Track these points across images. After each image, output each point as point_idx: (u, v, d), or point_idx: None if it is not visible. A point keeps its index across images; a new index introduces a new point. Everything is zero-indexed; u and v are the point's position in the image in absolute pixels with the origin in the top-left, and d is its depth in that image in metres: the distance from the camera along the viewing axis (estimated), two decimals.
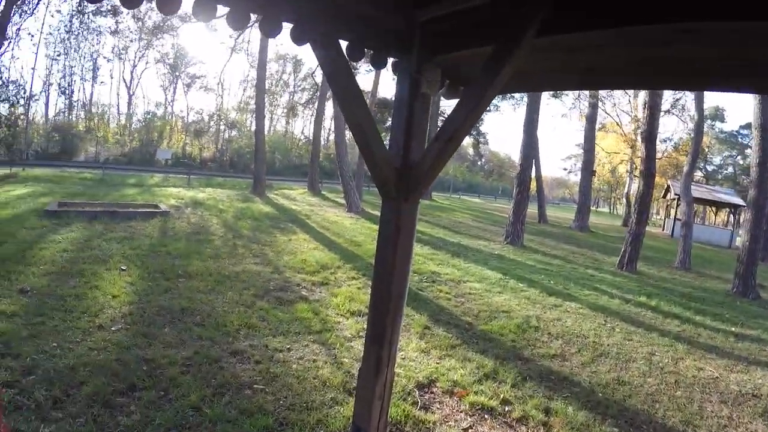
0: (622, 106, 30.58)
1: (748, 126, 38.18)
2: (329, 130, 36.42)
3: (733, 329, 6.75)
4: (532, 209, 18.77)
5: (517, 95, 27.69)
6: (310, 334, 4.38)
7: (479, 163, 65.24)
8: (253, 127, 21.36)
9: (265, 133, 24.82)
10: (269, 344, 4.01)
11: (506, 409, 3.42)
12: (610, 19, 1.44)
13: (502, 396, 3.57)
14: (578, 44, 1.78)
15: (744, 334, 6.60)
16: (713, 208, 34.10)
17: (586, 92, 23.94)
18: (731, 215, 29.32)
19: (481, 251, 10.57)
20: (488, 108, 34.54)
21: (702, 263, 14.25)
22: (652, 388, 4.18)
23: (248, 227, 9.73)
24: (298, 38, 1.79)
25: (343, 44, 1.92)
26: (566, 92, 26.62)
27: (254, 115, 20.75)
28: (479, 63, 1.75)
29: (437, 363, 4.06)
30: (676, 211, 24.16)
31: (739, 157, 45.17)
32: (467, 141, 50.70)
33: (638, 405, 3.80)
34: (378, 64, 2.20)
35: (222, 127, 38.66)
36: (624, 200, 36.99)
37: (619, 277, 10.06)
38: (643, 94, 15.36)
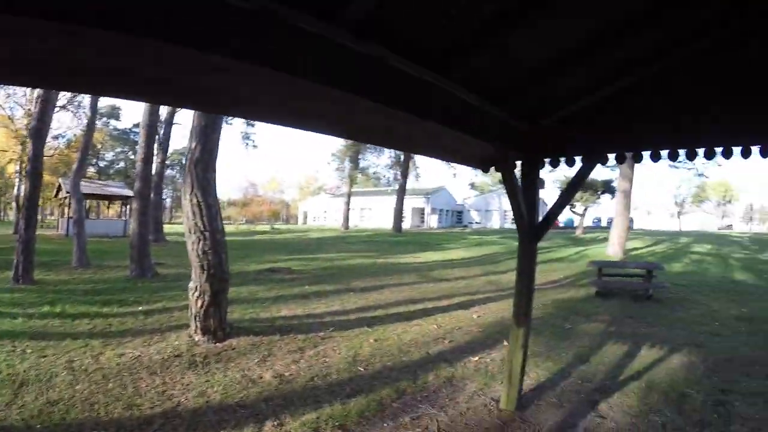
0: (17, 98, 27.03)
1: (138, 125, 43.28)
2: None
3: (140, 308, 7.23)
4: None
5: None
6: None
7: None
8: None
9: None
10: None
11: None
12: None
13: None
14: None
15: (151, 309, 7.20)
16: (106, 202, 33.63)
17: None
18: (124, 206, 29.13)
19: None
20: None
21: (100, 256, 14.20)
22: (84, 393, 4.11)
23: None
24: None
25: None
26: None
27: None
28: None
29: None
30: (68, 210, 22.48)
31: (130, 153, 48.58)
32: None
33: (79, 415, 3.68)
34: None
35: None
36: (14, 204, 32.57)
37: (17, 292, 8.72)
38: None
